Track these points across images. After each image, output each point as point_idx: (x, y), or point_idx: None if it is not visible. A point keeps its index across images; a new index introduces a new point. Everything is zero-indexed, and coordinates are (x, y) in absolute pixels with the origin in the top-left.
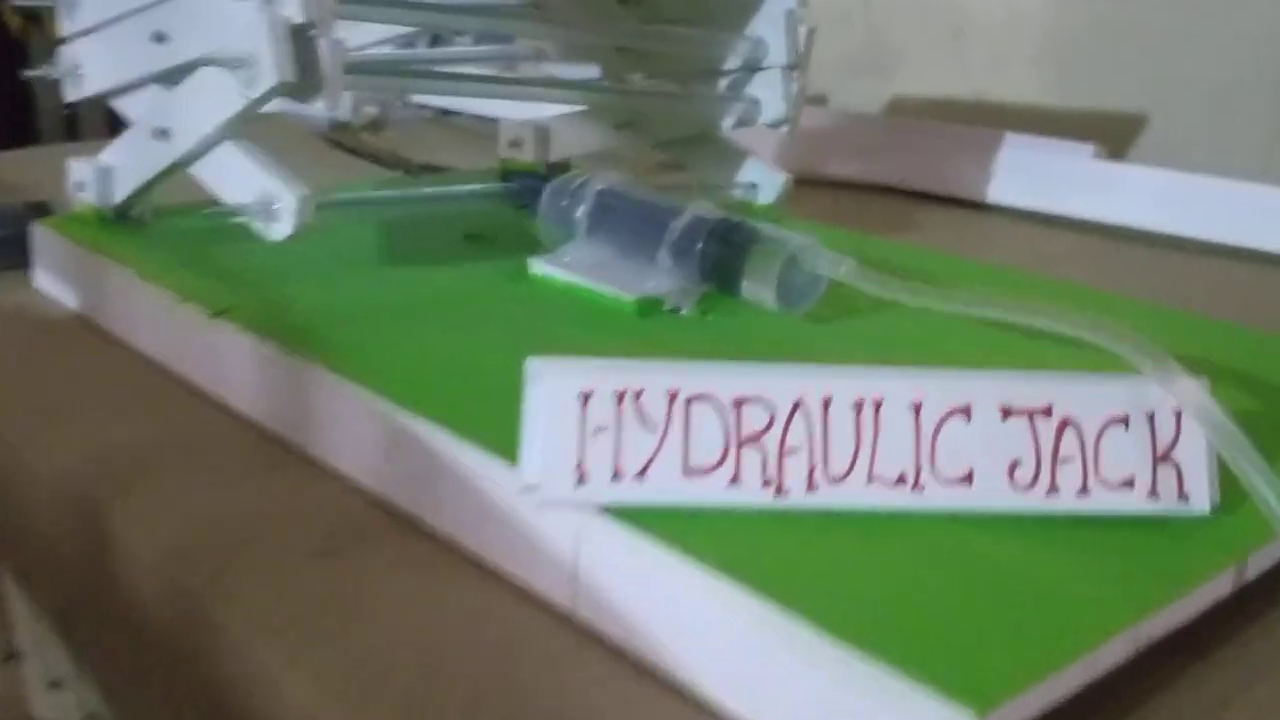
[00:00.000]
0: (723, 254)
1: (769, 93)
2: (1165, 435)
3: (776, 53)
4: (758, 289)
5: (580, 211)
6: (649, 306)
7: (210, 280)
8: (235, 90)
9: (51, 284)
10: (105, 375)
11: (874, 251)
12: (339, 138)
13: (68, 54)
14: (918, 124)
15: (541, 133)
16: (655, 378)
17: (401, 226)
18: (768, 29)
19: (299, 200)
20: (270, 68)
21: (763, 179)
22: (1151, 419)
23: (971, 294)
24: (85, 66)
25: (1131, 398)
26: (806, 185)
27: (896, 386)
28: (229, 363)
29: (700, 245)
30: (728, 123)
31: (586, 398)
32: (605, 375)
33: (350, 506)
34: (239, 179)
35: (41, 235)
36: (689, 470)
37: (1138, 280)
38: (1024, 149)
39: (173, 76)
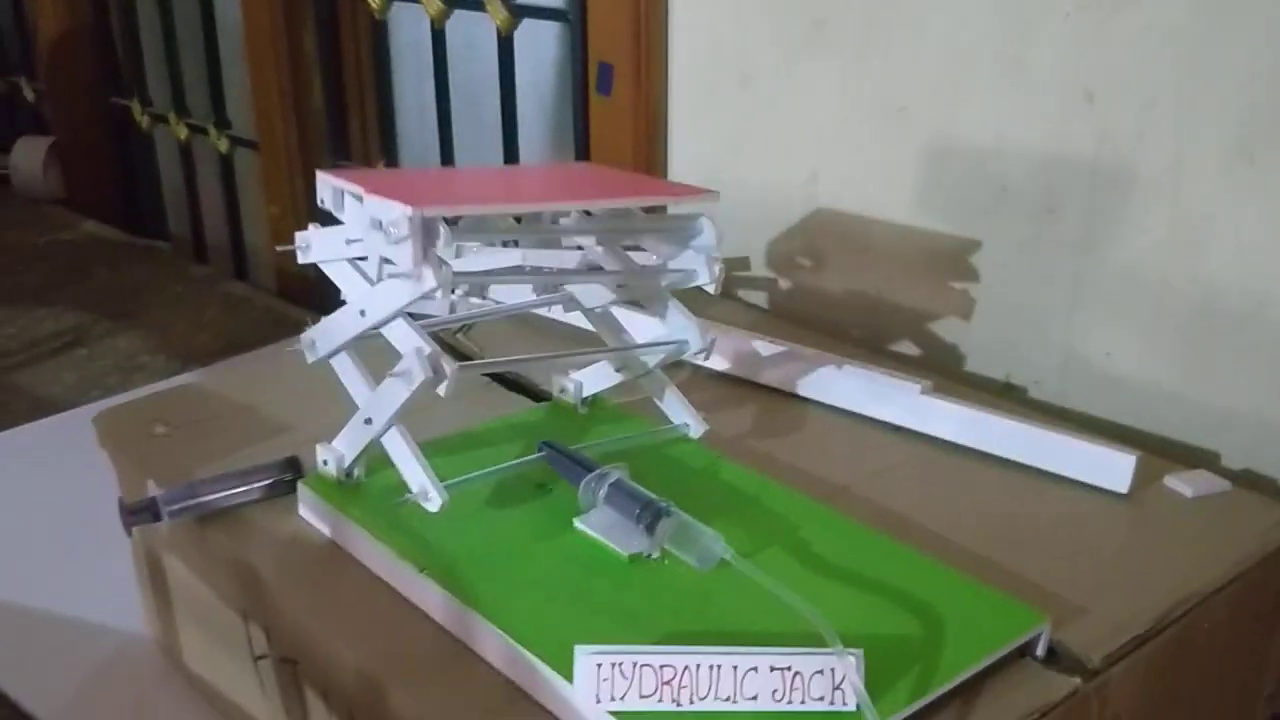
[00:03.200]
0: (672, 535)
1: (700, 267)
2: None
3: (702, 277)
4: (686, 557)
5: (600, 493)
6: (635, 557)
7: (412, 539)
8: (404, 390)
9: (311, 517)
10: (357, 592)
11: (758, 489)
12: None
13: (307, 335)
14: (819, 354)
15: (578, 386)
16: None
17: (504, 483)
18: (697, 263)
19: (441, 497)
20: (419, 375)
21: (692, 335)
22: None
23: (781, 587)
24: (319, 339)
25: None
26: (748, 385)
27: (714, 659)
28: (426, 594)
29: (660, 526)
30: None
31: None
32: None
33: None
34: (408, 469)
35: (303, 489)
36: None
37: (938, 480)
38: (881, 382)
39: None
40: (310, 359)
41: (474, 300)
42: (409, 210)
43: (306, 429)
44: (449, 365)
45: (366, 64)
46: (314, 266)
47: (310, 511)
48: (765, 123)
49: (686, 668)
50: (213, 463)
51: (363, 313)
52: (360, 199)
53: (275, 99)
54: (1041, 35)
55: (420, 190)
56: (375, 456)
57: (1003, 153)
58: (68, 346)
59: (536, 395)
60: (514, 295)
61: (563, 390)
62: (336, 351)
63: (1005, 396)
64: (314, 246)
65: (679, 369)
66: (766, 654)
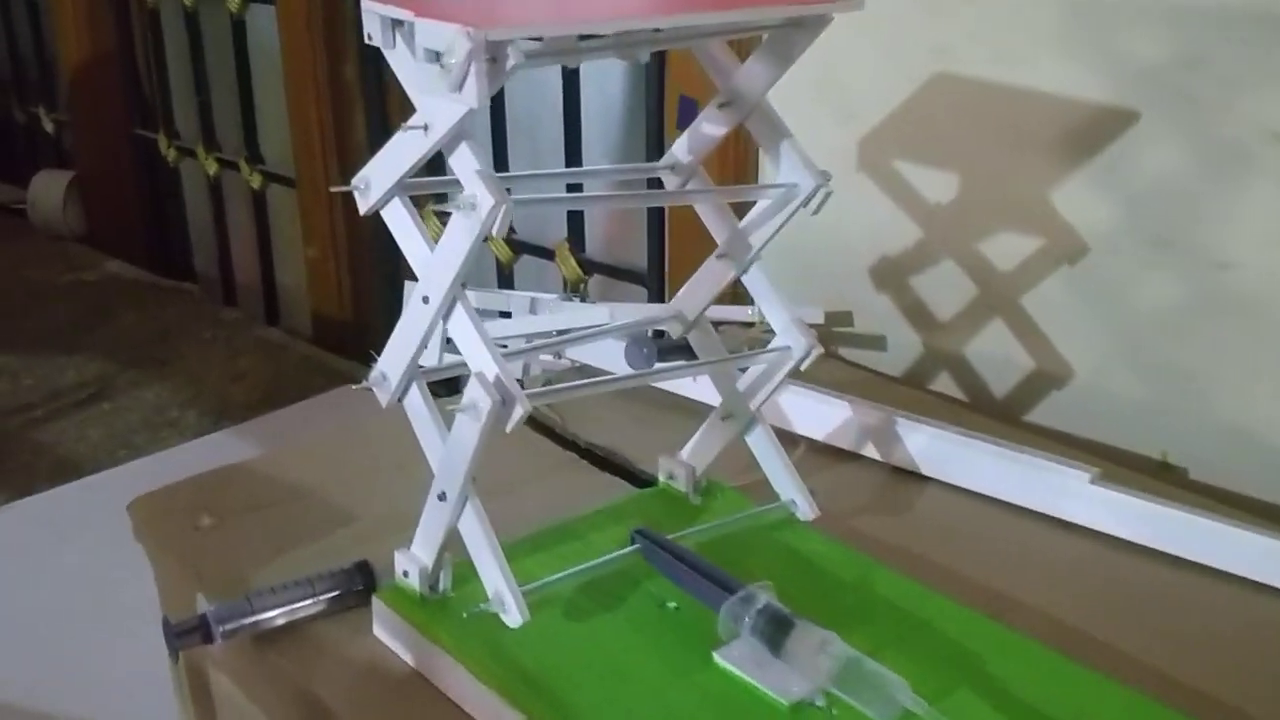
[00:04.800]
0: (843, 677)
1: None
2: None
3: (805, 189)
4: (863, 706)
5: (746, 621)
6: (797, 706)
7: (517, 673)
8: (474, 427)
9: (388, 638)
10: None
11: (927, 608)
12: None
13: (375, 371)
14: (961, 430)
15: (689, 470)
16: None
17: (613, 593)
18: (801, 178)
19: (522, 614)
20: (486, 403)
21: (794, 340)
22: None
23: None
24: (387, 368)
25: None
26: (872, 464)
27: None
28: None
29: (828, 668)
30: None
31: None
32: None
33: None
34: (486, 569)
35: (379, 605)
36: None
37: (1121, 589)
38: (1044, 468)
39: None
40: (384, 400)
41: (547, 358)
42: (468, 30)
43: (372, 515)
44: (518, 392)
45: None
46: (352, 312)
47: (387, 631)
48: (871, 163)
49: None
50: (268, 563)
51: (425, 299)
52: (412, 26)
53: (315, 132)
54: (1212, 65)
55: (484, 7)
56: (463, 562)
57: (1162, 196)
58: (92, 399)
59: (636, 478)
60: (598, 359)
61: (671, 476)
62: (409, 380)
63: (1161, 478)
64: (374, 183)
65: (792, 446)
66: None
